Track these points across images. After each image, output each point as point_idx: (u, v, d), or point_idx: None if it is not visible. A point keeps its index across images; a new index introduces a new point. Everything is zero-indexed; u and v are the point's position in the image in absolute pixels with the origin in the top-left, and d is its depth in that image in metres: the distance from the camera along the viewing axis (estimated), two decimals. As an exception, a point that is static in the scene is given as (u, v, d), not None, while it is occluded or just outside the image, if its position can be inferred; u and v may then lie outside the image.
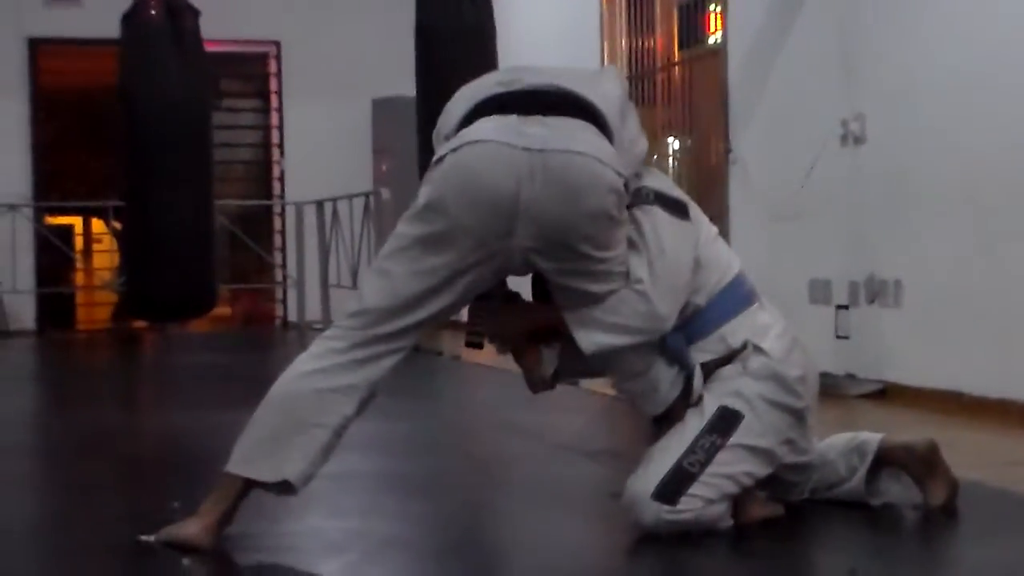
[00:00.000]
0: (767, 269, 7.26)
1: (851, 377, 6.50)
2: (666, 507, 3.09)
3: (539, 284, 3.26)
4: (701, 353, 3.22)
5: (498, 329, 3.31)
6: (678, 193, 3.37)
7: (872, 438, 3.45)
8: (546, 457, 4.51)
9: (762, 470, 3.19)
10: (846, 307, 6.72)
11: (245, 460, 3.05)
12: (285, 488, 3.05)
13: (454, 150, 2.98)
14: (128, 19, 6.58)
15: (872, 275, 6.55)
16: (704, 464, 3.11)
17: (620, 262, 3.09)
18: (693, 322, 3.23)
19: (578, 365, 3.32)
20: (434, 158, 3.02)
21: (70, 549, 3.31)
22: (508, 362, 3.41)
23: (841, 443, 3.47)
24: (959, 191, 5.98)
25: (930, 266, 6.20)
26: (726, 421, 3.15)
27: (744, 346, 3.20)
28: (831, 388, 6.36)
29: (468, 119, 3.06)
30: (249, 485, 3.06)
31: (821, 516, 3.40)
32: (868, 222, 6.59)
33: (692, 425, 3.17)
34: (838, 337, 6.74)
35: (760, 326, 3.25)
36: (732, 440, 3.13)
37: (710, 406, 3.17)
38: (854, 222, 6.68)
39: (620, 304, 3.10)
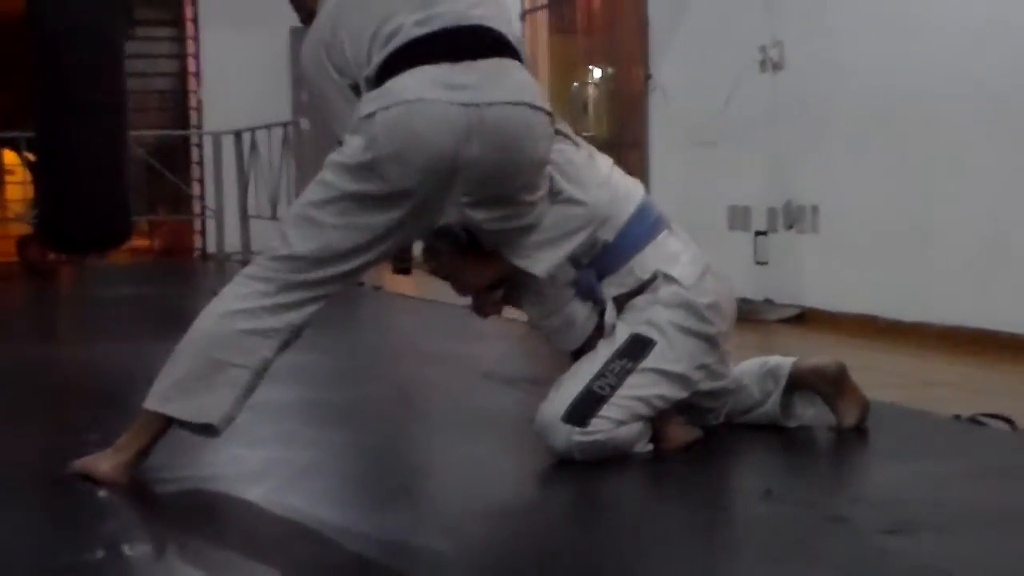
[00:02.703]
0: (686, 195, 7.33)
1: (769, 302, 6.58)
2: (577, 429, 3.12)
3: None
4: (613, 287, 3.26)
5: (467, 278, 3.32)
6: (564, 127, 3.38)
7: (784, 362, 3.49)
8: (467, 385, 4.52)
9: (676, 393, 3.22)
10: (764, 233, 6.79)
11: (166, 398, 3.02)
12: (207, 429, 3.05)
13: (386, 108, 2.89)
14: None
15: (790, 201, 6.62)
16: (614, 387, 3.14)
17: (542, 192, 3.11)
18: (603, 257, 3.26)
19: (516, 298, 3.37)
20: (365, 110, 2.92)
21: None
22: (430, 292, 3.42)
23: (754, 368, 3.51)
24: (875, 117, 6.04)
25: (847, 192, 6.26)
26: (637, 347, 3.18)
27: (654, 276, 3.23)
28: (750, 313, 6.43)
29: (390, 64, 2.96)
30: (168, 423, 3.05)
31: (737, 439, 3.44)
32: (786, 148, 6.64)
33: (603, 352, 3.21)
34: (757, 263, 6.81)
35: (670, 254, 3.26)
36: (643, 364, 3.16)
37: (622, 334, 3.21)
38: (772, 148, 6.73)
39: (554, 220, 3.14)
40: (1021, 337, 5.21)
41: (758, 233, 6.80)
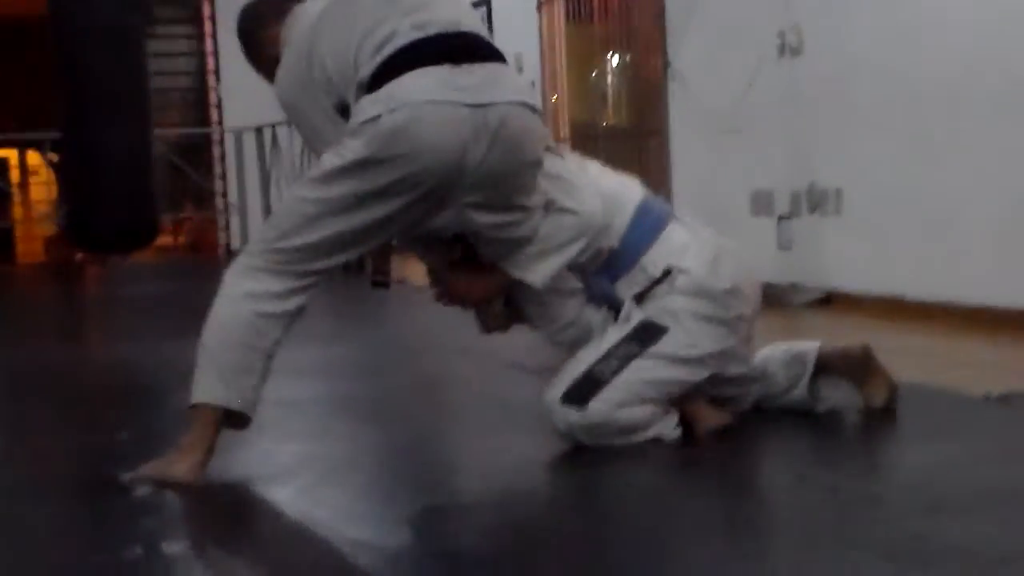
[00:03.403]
0: (708, 183, 7.34)
1: (794, 286, 6.56)
2: (575, 410, 3.16)
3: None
4: (627, 288, 3.30)
5: (464, 291, 3.37)
6: None
7: (810, 347, 3.51)
8: (492, 376, 4.54)
9: (691, 378, 3.25)
10: (788, 217, 6.77)
11: (214, 390, 3.06)
12: (240, 420, 3.08)
13: (392, 111, 2.90)
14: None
15: (813, 184, 6.60)
16: (616, 371, 3.19)
17: (537, 200, 3.15)
18: (612, 262, 3.31)
19: (523, 314, 3.42)
20: (367, 114, 2.92)
21: (18, 487, 3.29)
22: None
23: (779, 354, 3.53)
24: (896, 98, 6.02)
25: (869, 173, 6.25)
26: (647, 333, 3.23)
27: (668, 271, 3.26)
28: (775, 298, 6.41)
29: (389, 66, 2.96)
30: (221, 413, 3.07)
31: (767, 425, 3.46)
32: (807, 132, 6.63)
33: (611, 336, 3.26)
34: (780, 247, 6.79)
35: (678, 247, 3.30)
36: (653, 349, 3.20)
37: (634, 321, 3.24)
38: (794, 133, 6.72)
39: (548, 230, 3.18)
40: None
41: (781, 218, 6.79)
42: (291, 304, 3.06)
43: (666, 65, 7.81)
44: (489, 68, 3.03)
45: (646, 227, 3.32)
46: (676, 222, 3.36)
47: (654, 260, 3.29)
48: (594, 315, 3.34)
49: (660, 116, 7.85)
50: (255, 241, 3.17)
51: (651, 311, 3.26)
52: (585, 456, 3.19)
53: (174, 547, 2.44)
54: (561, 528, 2.68)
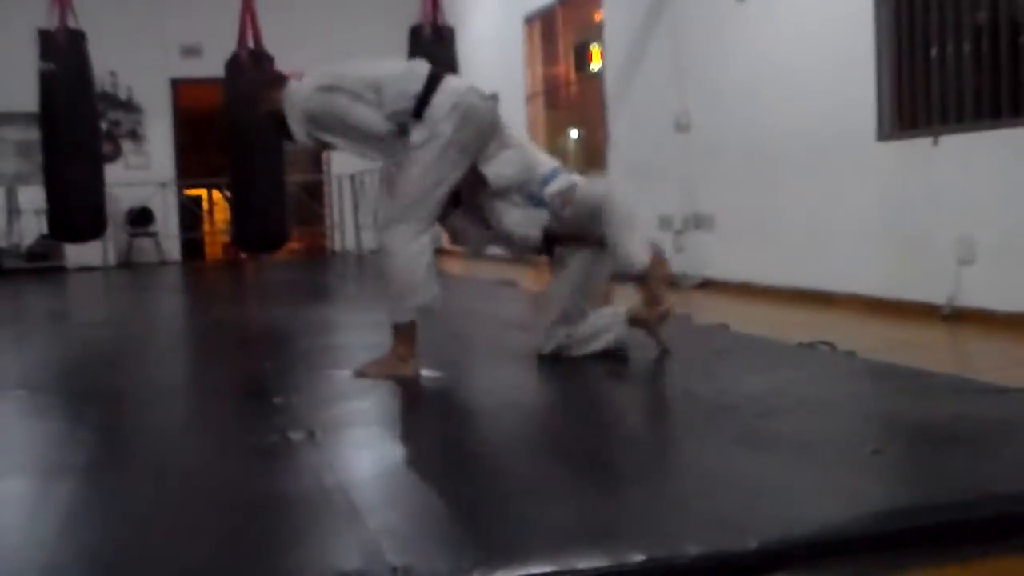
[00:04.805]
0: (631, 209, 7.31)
1: (685, 275, 6.57)
2: (563, 327, 3.32)
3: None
4: (548, 195, 3.32)
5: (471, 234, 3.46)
6: None
7: (622, 309, 3.42)
8: (496, 330, 4.52)
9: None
10: (681, 232, 6.77)
11: (408, 311, 3.11)
12: (429, 312, 3.17)
13: (456, 104, 3.05)
14: (229, 65, 6.49)
15: (697, 212, 6.61)
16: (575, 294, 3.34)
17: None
18: (536, 192, 3.32)
19: (487, 237, 3.45)
20: (444, 107, 3.04)
21: (202, 394, 3.31)
22: (468, 270, 3.41)
23: (604, 314, 3.42)
24: (749, 158, 6.03)
25: (731, 204, 6.26)
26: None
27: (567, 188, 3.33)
28: (673, 283, 6.40)
29: (431, 83, 3.08)
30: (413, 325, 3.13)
31: (670, 365, 3.39)
32: (694, 179, 6.63)
33: (561, 278, 3.40)
34: (676, 251, 6.80)
35: (568, 180, 3.35)
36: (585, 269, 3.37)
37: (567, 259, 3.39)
38: (685, 179, 6.72)
39: (510, 157, 3.27)
40: (839, 294, 5.21)
41: (676, 232, 6.79)
42: (428, 238, 3.12)
43: (607, 135, 7.80)
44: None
45: (551, 177, 3.34)
46: (568, 172, 3.42)
47: (560, 185, 3.32)
48: (532, 213, 3.31)
49: (602, 165, 7.84)
50: (396, 209, 3.13)
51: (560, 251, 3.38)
52: (556, 373, 3.18)
53: (298, 435, 2.43)
54: (537, 410, 2.68)
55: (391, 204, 3.16)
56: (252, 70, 6.19)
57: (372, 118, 3.11)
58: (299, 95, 3.20)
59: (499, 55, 9.94)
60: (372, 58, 3.33)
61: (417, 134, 3.07)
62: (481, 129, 3.14)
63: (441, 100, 3.07)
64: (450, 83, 3.14)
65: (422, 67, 3.18)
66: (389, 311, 3.14)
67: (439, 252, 3.53)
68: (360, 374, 3.13)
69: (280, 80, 3.33)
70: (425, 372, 3.20)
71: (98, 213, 6.21)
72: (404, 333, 3.12)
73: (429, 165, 3.08)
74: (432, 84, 3.10)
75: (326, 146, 3.34)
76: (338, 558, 1.56)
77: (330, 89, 3.16)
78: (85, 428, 2.66)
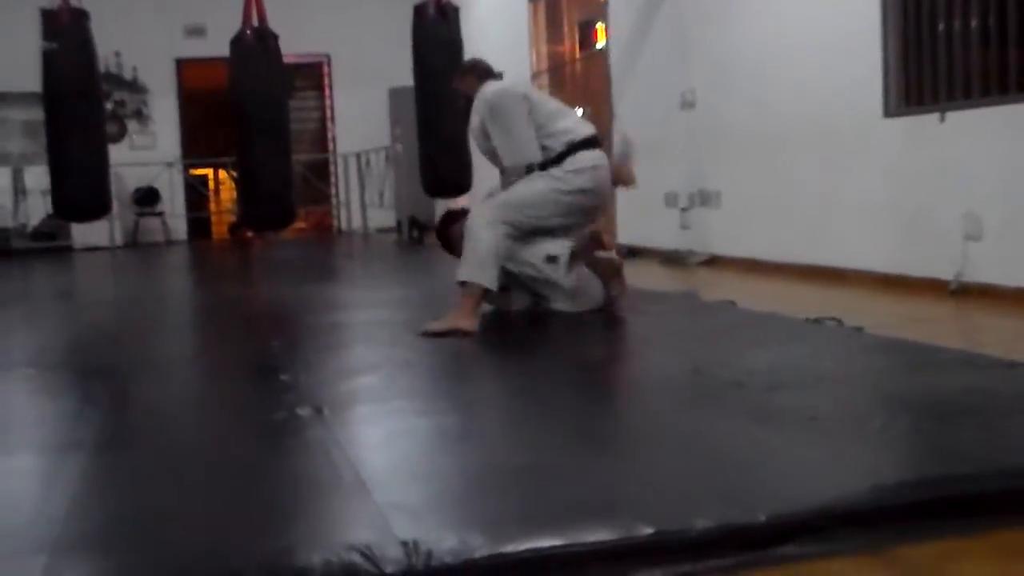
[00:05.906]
0: (638, 188, 7.29)
1: (691, 252, 6.57)
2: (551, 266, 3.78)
3: None
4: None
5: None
6: None
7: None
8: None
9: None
10: (687, 209, 6.76)
11: (477, 275, 3.50)
12: (488, 294, 3.60)
13: (594, 167, 3.81)
14: (234, 43, 6.46)
15: (702, 189, 6.59)
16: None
17: None
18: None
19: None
20: (584, 164, 3.78)
21: (210, 372, 3.32)
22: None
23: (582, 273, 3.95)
24: (753, 136, 6.00)
25: (737, 182, 6.24)
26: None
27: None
28: (679, 260, 6.42)
29: (574, 147, 3.77)
30: (482, 291, 3.53)
31: (669, 336, 3.42)
32: (699, 156, 6.61)
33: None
34: (682, 228, 6.79)
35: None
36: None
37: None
38: (690, 156, 6.70)
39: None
40: (846, 271, 5.20)
41: (683, 209, 6.78)
42: (503, 231, 3.61)
43: (612, 115, 7.77)
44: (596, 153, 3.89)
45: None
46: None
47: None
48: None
49: (608, 147, 7.80)
50: (497, 206, 3.66)
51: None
52: (562, 349, 3.18)
53: (306, 411, 2.44)
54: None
55: (507, 200, 3.78)
56: (256, 48, 6.16)
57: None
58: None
59: (504, 33, 9.89)
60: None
61: (567, 167, 3.89)
62: (600, 199, 4.05)
63: (583, 159, 3.88)
64: (591, 152, 3.93)
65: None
66: (466, 272, 3.48)
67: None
68: (426, 333, 3.40)
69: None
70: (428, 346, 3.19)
71: (103, 192, 6.21)
72: (473, 295, 3.46)
73: (556, 196, 3.85)
74: (579, 143, 3.86)
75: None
76: (347, 533, 1.56)
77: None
78: (94, 406, 2.66)
